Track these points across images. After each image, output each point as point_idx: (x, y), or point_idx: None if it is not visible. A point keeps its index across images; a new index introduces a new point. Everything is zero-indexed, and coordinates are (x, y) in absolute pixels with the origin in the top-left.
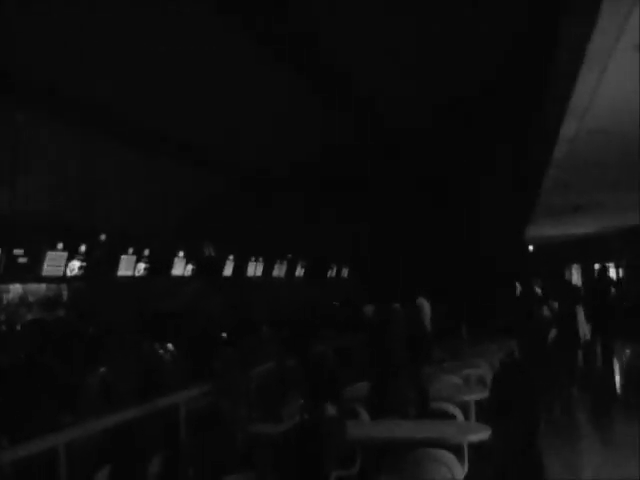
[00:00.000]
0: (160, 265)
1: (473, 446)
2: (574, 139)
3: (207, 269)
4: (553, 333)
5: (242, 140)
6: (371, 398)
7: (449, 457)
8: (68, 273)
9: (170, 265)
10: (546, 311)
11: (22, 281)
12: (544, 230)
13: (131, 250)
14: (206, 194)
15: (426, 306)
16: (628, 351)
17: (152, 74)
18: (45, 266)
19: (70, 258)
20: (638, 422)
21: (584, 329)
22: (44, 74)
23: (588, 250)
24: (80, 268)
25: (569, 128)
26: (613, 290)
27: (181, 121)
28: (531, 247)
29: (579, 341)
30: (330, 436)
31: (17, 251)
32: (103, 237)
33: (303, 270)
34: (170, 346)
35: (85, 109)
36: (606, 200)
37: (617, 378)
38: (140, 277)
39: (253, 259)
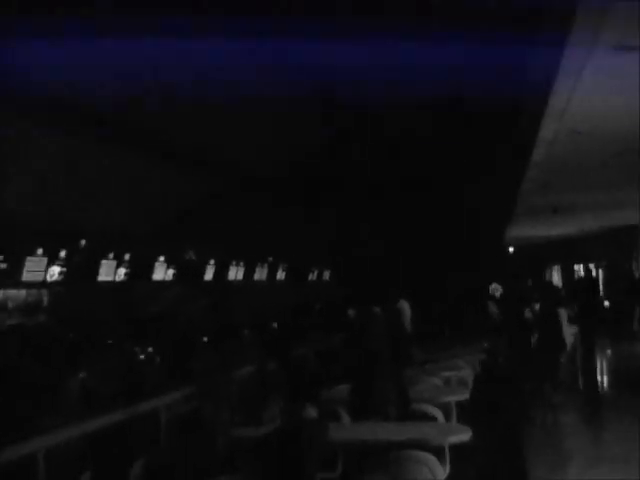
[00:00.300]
0: (141, 270)
1: (454, 447)
2: (553, 141)
3: (188, 273)
4: (535, 335)
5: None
6: (352, 400)
7: (430, 458)
8: (48, 278)
9: (151, 270)
10: (527, 313)
11: (1, 286)
12: (524, 231)
13: (111, 255)
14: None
15: (406, 308)
16: (609, 351)
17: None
18: (25, 272)
19: (50, 263)
20: (623, 422)
21: (566, 331)
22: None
23: (568, 251)
24: (60, 273)
25: (548, 130)
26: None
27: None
28: (512, 248)
29: (563, 342)
30: (311, 439)
31: None
32: (83, 242)
33: (284, 273)
34: (150, 350)
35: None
36: (586, 201)
37: (600, 378)
38: (121, 282)
39: (234, 262)
